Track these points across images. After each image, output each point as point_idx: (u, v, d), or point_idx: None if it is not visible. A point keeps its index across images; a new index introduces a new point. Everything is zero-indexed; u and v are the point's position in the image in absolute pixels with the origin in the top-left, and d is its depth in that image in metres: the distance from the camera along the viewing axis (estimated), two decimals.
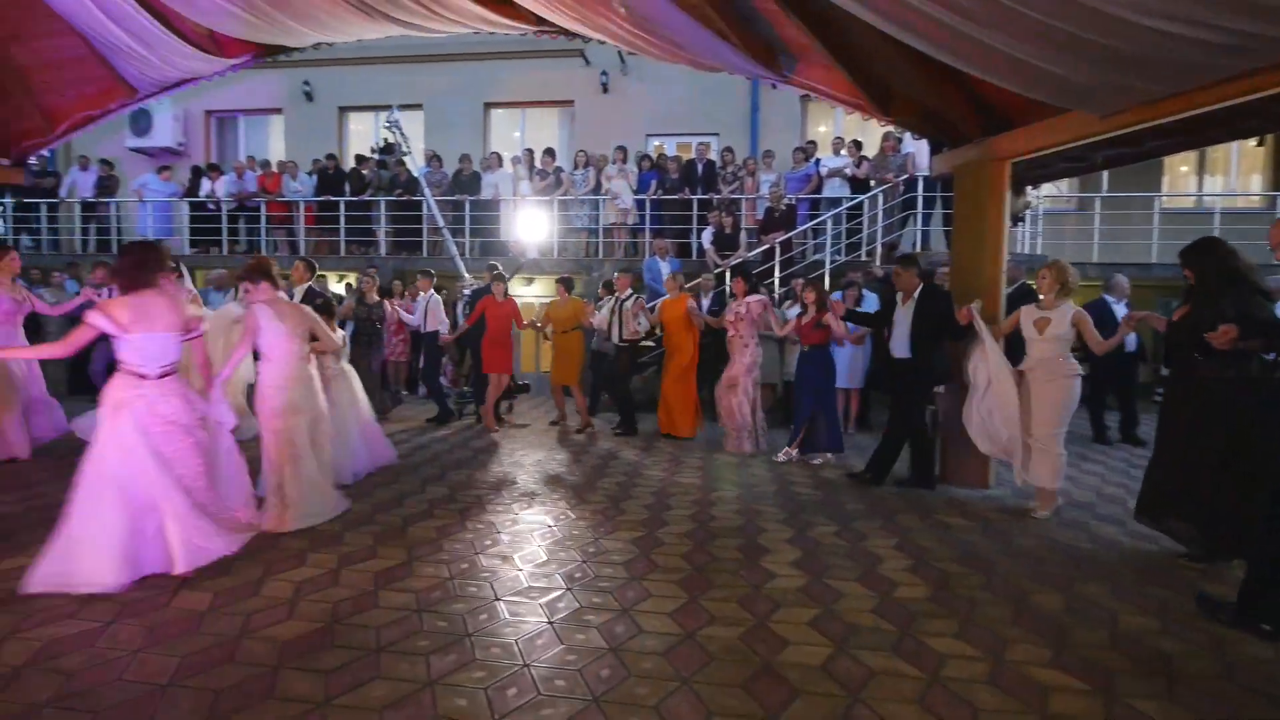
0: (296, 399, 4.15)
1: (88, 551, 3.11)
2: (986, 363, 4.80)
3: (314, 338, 4.39)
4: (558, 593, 3.26)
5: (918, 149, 8.55)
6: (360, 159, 11.37)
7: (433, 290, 7.87)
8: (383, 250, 10.79)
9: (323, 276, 8.96)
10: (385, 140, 9.28)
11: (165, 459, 3.26)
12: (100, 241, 11.37)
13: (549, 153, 10.84)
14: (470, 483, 5.20)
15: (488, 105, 12.77)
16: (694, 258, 10.01)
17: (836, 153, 9.74)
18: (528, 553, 3.77)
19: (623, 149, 10.46)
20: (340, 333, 5.70)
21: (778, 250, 8.72)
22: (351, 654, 2.67)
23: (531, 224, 10.17)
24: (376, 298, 7.42)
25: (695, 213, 10.00)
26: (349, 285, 8.14)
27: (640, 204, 10.20)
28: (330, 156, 11.23)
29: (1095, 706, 2.42)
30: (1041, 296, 4.60)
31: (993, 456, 4.98)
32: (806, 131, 12.06)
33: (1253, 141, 10.82)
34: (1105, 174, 10.40)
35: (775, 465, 5.94)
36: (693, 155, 10.63)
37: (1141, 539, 4.11)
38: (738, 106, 11.93)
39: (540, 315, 7.59)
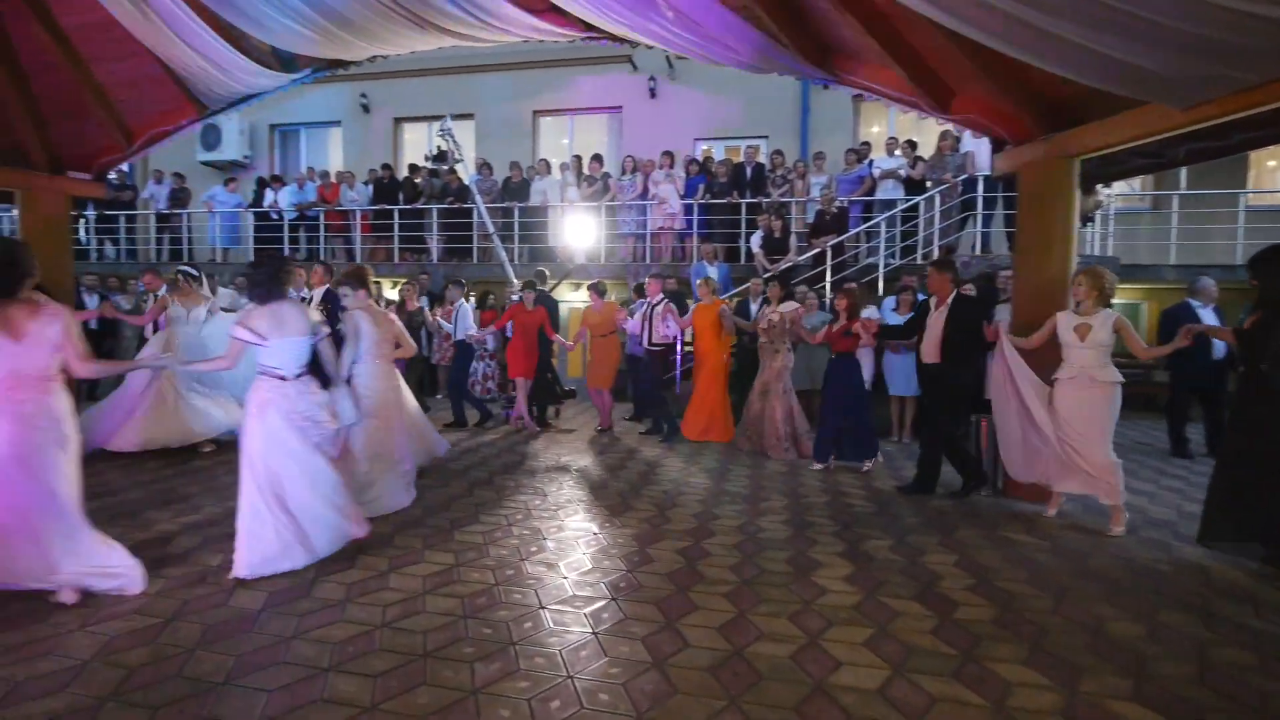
0: (390, 398, 4.57)
1: (270, 536, 3.43)
2: (1011, 383, 4.70)
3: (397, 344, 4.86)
4: (602, 602, 3.22)
5: (977, 148, 8.23)
6: (413, 168, 11.66)
7: (462, 299, 7.99)
8: (434, 257, 11.03)
9: (377, 282, 9.16)
10: (439, 148, 9.47)
11: (305, 450, 3.57)
12: (173, 251, 11.98)
13: (597, 158, 10.89)
14: (517, 488, 5.22)
15: (537, 113, 12.93)
16: (742, 262, 9.88)
17: (890, 153, 9.47)
18: (573, 560, 3.74)
19: (669, 154, 10.42)
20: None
21: (829, 254, 8.52)
22: (398, 659, 2.68)
23: (579, 230, 10.23)
24: (416, 305, 7.58)
25: (744, 217, 9.88)
26: (400, 292, 8.34)
27: (688, 208, 10.14)
28: (385, 167, 11.56)
29: None
30: (1079, 303, 4.46)
31: (1034, 482, 4.78)
32: (859, 133, 11.79)
33: None
34: (1183, 170, 9.80)
35: (825, 475, 5.77)
36: (741, 159, 10.51)
37: (1228, 562, 3.81)
38: (787, 109, 11.75)
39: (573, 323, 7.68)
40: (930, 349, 5.04)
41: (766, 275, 8.68)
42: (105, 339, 8.35)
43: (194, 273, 6.46)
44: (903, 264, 8.74)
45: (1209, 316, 6.41)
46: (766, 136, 11.80)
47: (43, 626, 2.88)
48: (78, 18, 5.41)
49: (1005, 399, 4.81)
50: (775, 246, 9.01)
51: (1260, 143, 4.73)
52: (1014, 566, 3.74)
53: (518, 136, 12.75)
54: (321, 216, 11.29)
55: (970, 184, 8.31)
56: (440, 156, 9.50)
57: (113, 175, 12.04)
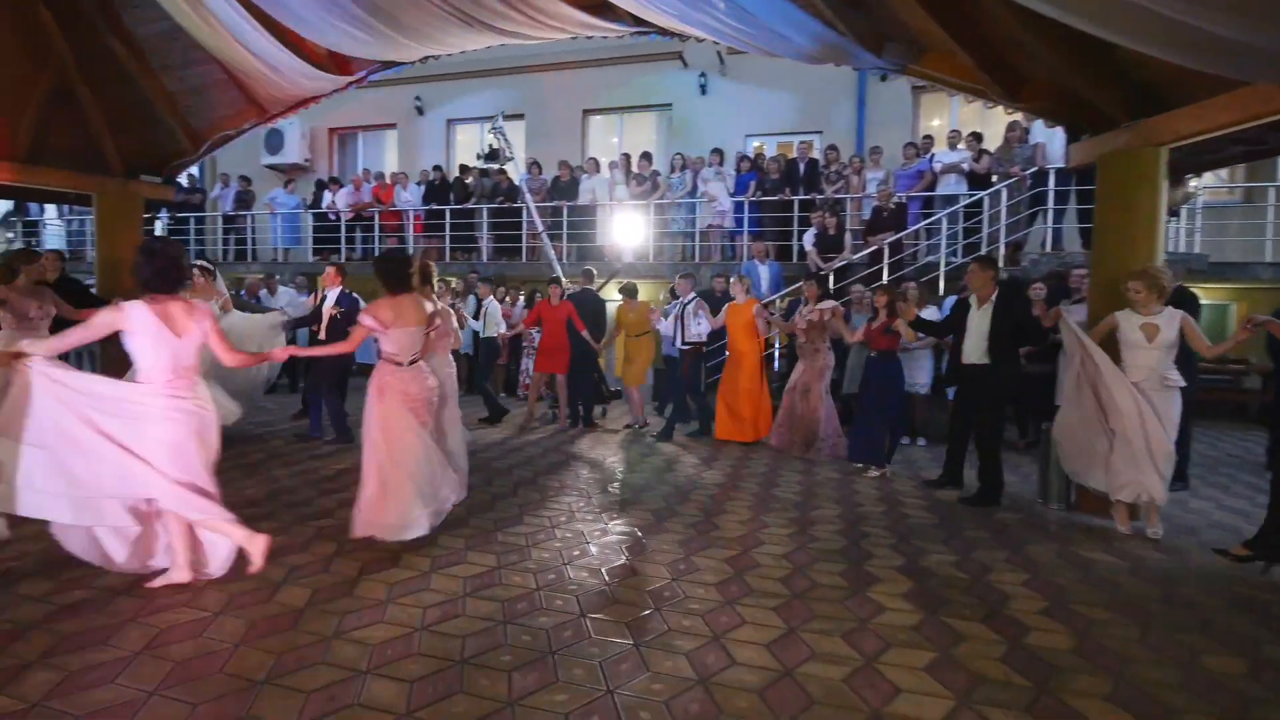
0: (448, 390, 4.67)
1: (392, 506, 3.70)
2: (1084, 374, 4.41)
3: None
4: (645, 612, 3.10)
5: (1049, 138, 7.76)
6: (464, 169, 11.80)
7: (492, 296, 8.01)
8: (485, 256, 11.13)
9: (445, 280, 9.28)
10: (491, 146, 9.55)
11: (419, 429, 3.86)
12: (238, 251, 12.46)
13: (646, 156, 10.78)
14: (562, 488, 5.15)
15: (586, 112, 12.92)
16: (794, 260, 9.61)
17: (953, 147, 9.04)
18: (616, 566, 3.63)
19: (719, 151, 10.23)
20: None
21: (886, 252, 8.19)
22: (436, 664, 2.62)
23: (628, 228, 10.16)
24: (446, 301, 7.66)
25: (796, 214, 9.61)
26: (452, 288, 8.42)
27: (738, 206, 9.93)
28: (436, 168, 11.73)
29: None
30: (1141, 310, 4.24)
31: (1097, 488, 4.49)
32: (919, 126, 11.34)
33: None
34: None
35: (884, 483, 5.51)
36: (794, 154, 10.24)
37: None
38: (842, 103, 11.40)
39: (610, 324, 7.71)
40: (973, 349, 4.91)
41: (819, 273, 8.42)
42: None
43: (209, 266, 6.36)
44: (965, 262, 8.30)
45: None
46: (820, 132, 11.47)
47: (100, 615, 2.94)
48: (148, 27, 5.62)
49: (1075, 384, 4.49)
50: (829, 244, 8.72)
51: None
52: (1092, 589, 3.45)
53: (567, 136, 12.77)
54: (377, 217, 11.54)
55: (1040, 177, 7.84)
56: (493, 155, 9.57)
57: (184, 179, 12.64)
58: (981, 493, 4.96)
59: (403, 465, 3.72)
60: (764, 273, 8.79)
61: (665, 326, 7.21)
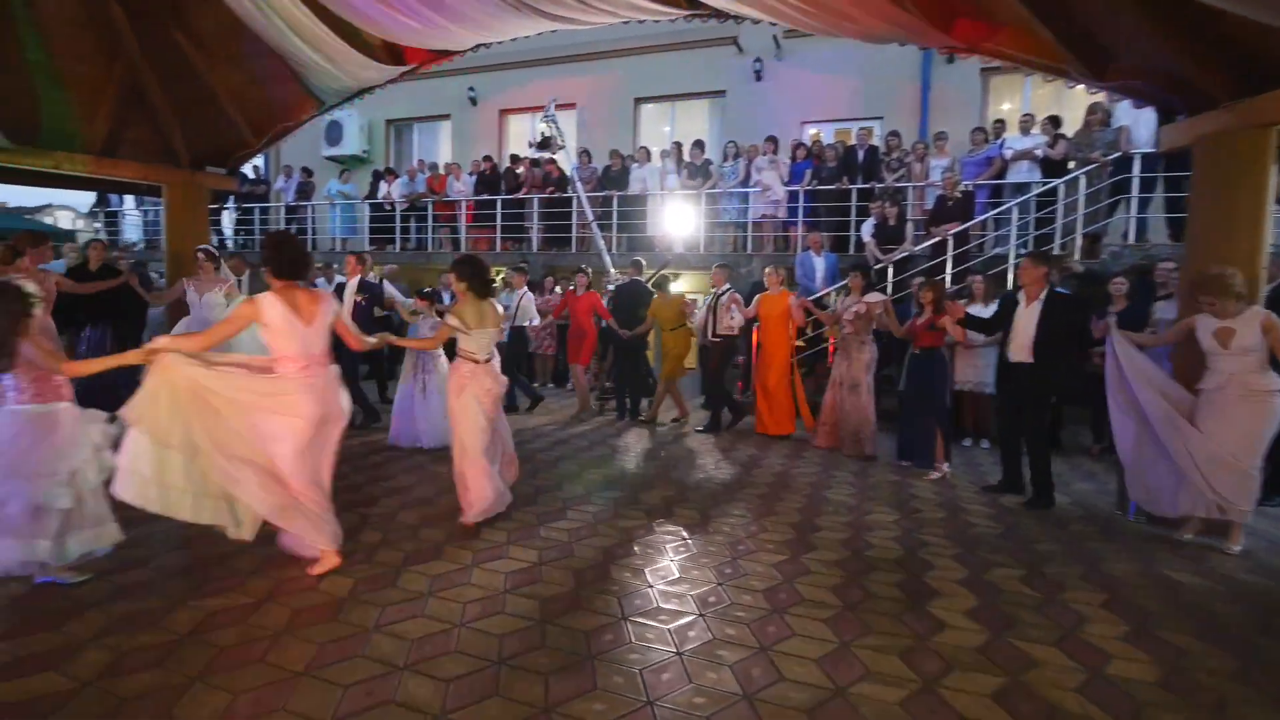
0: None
1: (502, 490, 4.13)
2: (1125, 390, 4.24)
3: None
4: (689, 618, 2.97)
5: (1135, 121, 7.19)
6: (515, 158, 11.82)
7: (525, 288, 7.97)
8: (534, 246, 11.14)
9: (499, 271, 9.33)
10: (543, 134, 9.50)
11: (491, 420, 4.11)
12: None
13: (698, 145, 10.56)
14: (606, 483, 5.07)
15: (638, 100, 12.75)
16: (851, 252, 9.26)
17: (1025, 132, 8.50)
18: (659, 568, 3.52)
19: (773, 139, 9.93)
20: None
21: (950, 243, 7.78)
22: (473, 663, 2.57)
23: (678, 218, 9.98)
24: None
25: (854, 204, 9.23)
26: (504, 280, 8.43)
27: (793, 195, 9.62)
28: (487, 158, 11.77)
29: None
30: (1216, 317, 3.94)
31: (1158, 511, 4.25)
32: (988, 110, 10.75)
33: None
34: None
35: (942, 488, 5.23)
36: (853, 141, 9.84)
37: None
38: (905, 86, 10.89)
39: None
40: (1020, 348, 4.74)
41: (861, 266, 8.08)
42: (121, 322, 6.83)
43: (214, 251, 6.23)
44: (1052, 254, 7.82)
45: None
46: (881, 117, 11.00)
47: (154, 598, 3.00)
48: (210, 20, 5.75)
49: (1121, 408, 4.34)
50: (889, 235, 8.35)
51: None
52: (1181, 614, 3.15)
53: (619, 125, 12.64)
54: (430, 207, 11.69)
55: (1123, 164, 7.28)
56: (545, 143, 9.52)
57: (249, 171, 13.08)
58: (1034, 497, 4.77)
59: (482, 454, 4.01)
60: (819, 264, 8.48)
61: (699, 317, 7.10)
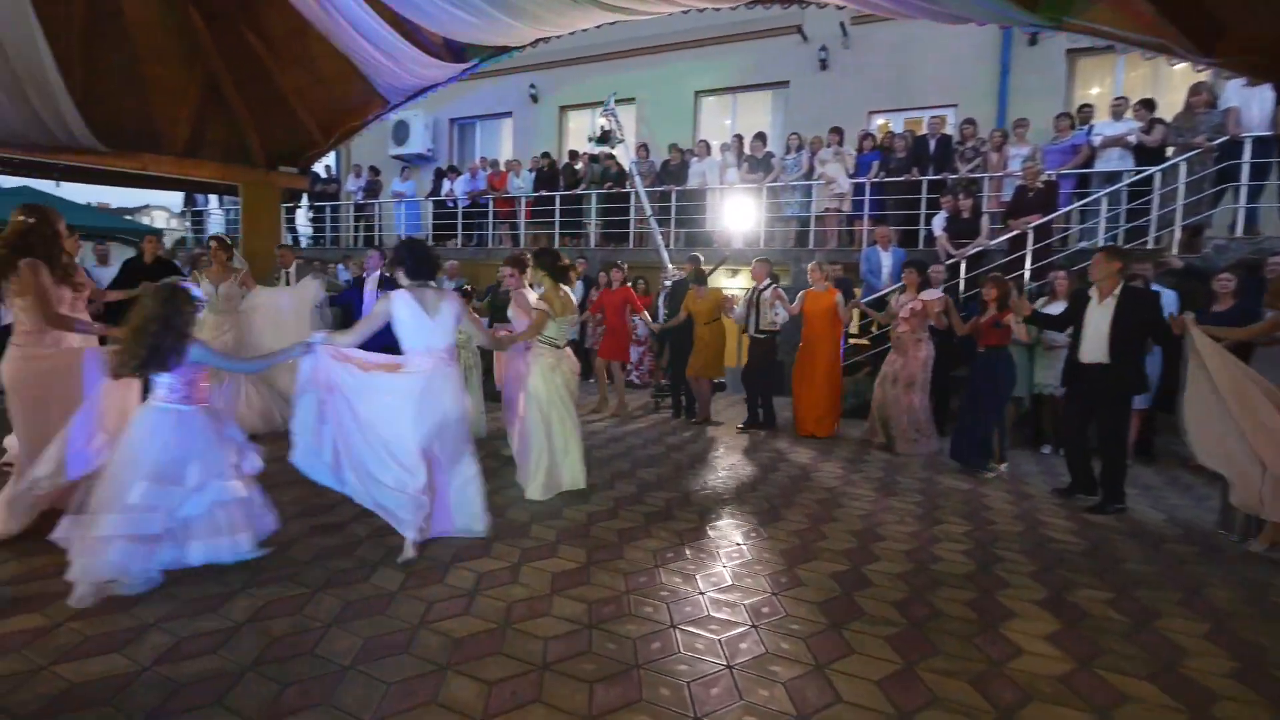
0: None
1: (574, 463, 4.54)
2: (1212, 390, 3.96)
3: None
4: (740, 629, 2.83)
5: (1246, 101, 6.54)
6: (573, 154, 11.83)
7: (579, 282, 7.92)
8: (592, 242, 11.13)
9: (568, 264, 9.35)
10: (602, 128, 9.45)
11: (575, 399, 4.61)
12: (367, 238, 13.26)
13: (759, 137, 10.30)
14: (659, 483, 4.96)
15: (698, 93, 12.56)
16: (920, 247, 8.83)
17: (1117, 116, 7.89)
18: (712, 574, 3.38)
19: (838, 130, 9.57)
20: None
21: (1030, 237, 7.29)
22: (517, 666, 2.51)
23: (738, 212, 9.77)
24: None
25: (924, 196, 8.81)
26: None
27: (859, 188, 9.26)
28: (545, 155, 11.83)
29: None
30: None
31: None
32: (1074, 95, 10.05)
33: None
34: None
35: (1020, 498, 4.89)
36: (924, 131, 9.38)
37: None
38: (982, 71, 10.31)
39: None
40: (1093, 347, 4.54)
41: (949, 261, 7.67)
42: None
43: (226, 240, 5.90)
44: (1129, 248, 7.25)
45: None
46: (955, 105, 10.46)
47: (215, 584, 3.07)
48: (280, 22, 5.93)
49: (1205, 408, 4.03)
50: (962, 229, 7.90)
51: None
52: None
53: (679, 118, 12.49)
54: (490, 204, 11.85)
55: (1232, 149, 6.65)
56: (604, 137, 9.48)
57: (321, 170, 13.59)
58: (1102, 502, 4.58)
59: (572, 432, 4.45)
60: (885, 260, 8.12)
61: (737, 314, 6.95)
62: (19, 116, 5.25)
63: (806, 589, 3.24)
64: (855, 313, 7.43)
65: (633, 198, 10.32)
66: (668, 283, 8.19)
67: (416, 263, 3.45)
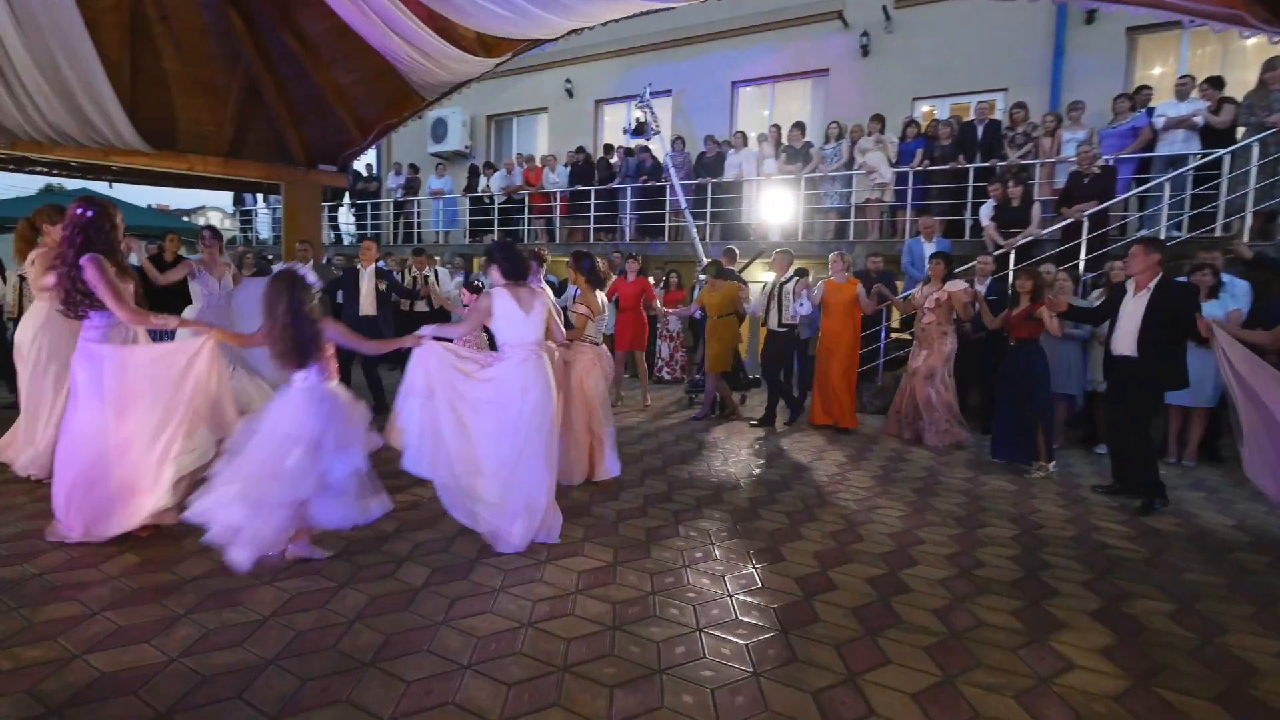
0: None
1: (610, 454, 4.75)
2: (1245, 393, 3.87)
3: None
4: (769, 634, 2.72)
5: None
6: (608, 148, 11.76)
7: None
8: (627, 236, 11.05)
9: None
10: (637, 120, 9.36)
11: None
12: (406, 234, 13.46)
13: (798, 127, 10.05)
14: (690, 481, 4.86)
15: (735, 84, 12.34)
16: (967, 238, 8.49)
17: (1182, 97, 7.41)
18: (740, 575, 3.28)
19: (880, 117, 9.26)
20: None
21: (1085, 226, 6.92)
22: (537, 668, 2.45)
23: (776, 204, 9.56)
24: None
25: (971, 184, 8.46)
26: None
27: (901, 177, 8.95)
28: (580, 150, 11.79)
29: None
30: None
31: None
32: (1134, 75, 9.52)
33: None
34: None
35: (1072, 500, 4.63)
36: (971, 117, 9.01)
37: None
38: (1034, 53, 9.84)
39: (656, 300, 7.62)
40: (1124, 340, 4.49)
41: (998, 251, 7.34)
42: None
43: (219, 230, 5.73)
44: (1193, 236, 6.83)
45: None
46: (1005, 89, 10.01)
47: (244, 576, 3.10)
48: (317, 23, 6.01)
49: (1246, 411, 3.90)
50: (1012, 218, 7.54)
51: None
52: None
53: (715, 110, 12.29)
54: (526, 199, 11.88)
55: None
56: (640, 128, 9.39)
57: (362, 168, 13.83)
58: (1145, 503, 4.43)
59: (606, 422, 4.64)
60: (929, 251, 7.82)
61: (754, 307, 6.84)
62: (71, 119, 5.43)
63: (840, 593, 3.10)
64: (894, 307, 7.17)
65: (668, 191, 10.20)
66: (703, 276, 8.06)
67: (510, 264, 3.67)
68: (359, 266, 6.46)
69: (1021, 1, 4.86)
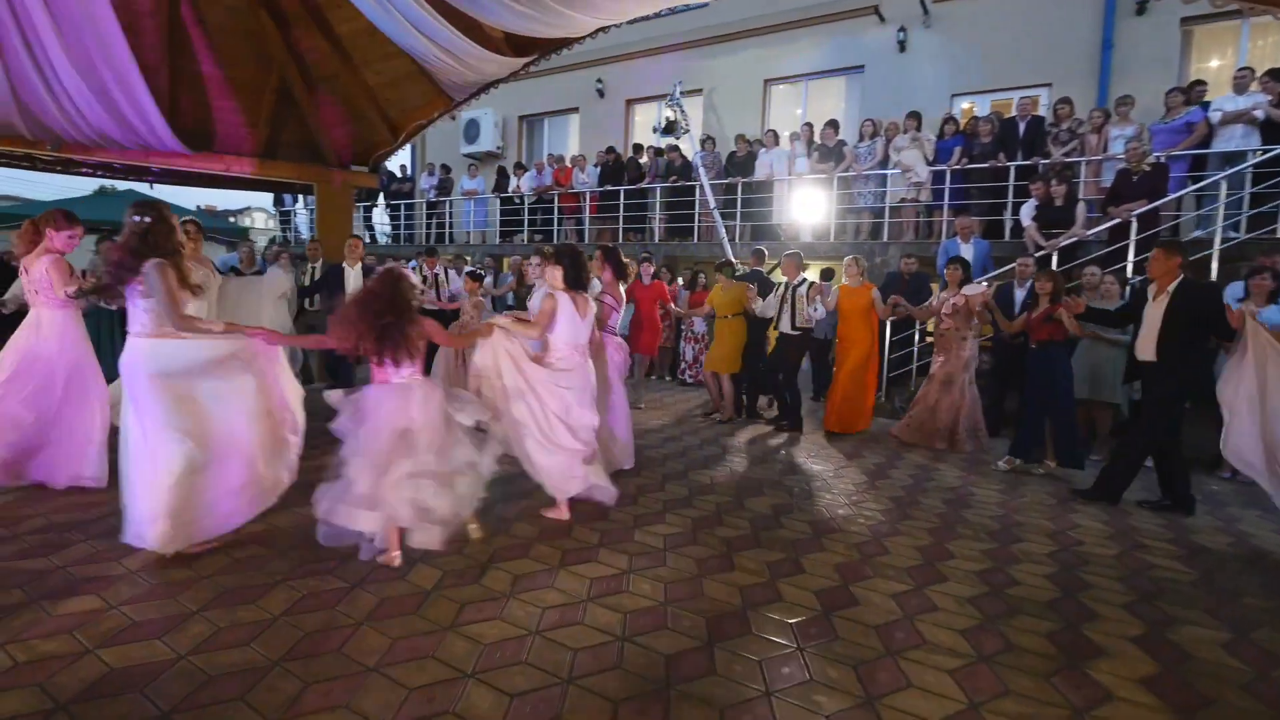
0: None
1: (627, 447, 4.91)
2: (1251, 380, 3.88)
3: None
4: (785, 650, 2.61)
5: None
6: (638, 148, 11.70)
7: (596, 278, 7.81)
8: (656, 237, 10.97)
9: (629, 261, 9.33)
10: (667, 119, 9.29)
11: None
12: (439, 234, 13.60)
13: (831, 125, 9.84)
14: (712, 486, 4.76)
15: (767, 82, 12.15)
16: (1006, 239, 8.20)
17: (1240, 90, 7.02)
18: (759, 587, 3.17)
19: (916, 114, 9.00)
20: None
21: (1134, 226, 6.60)
22: (541, 678, 2.39)
23: (807, 204, 9.38)
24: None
25: (1012, 183, 8.16)
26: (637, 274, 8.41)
27: (938, 176, 8.68)
28: (610, 150, 11.75)
29: None
30: None
31: None
32: (1189, 69, 9.08)
33: None
34: None
35: (1116, 516, 4.40)
36: (1013, 113, 8.69)
37: None
38: (1081, 46, 9.46)
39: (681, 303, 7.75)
40: (1144, 345, 4.44)
41: (1039, 253, 7.05)
42: None
43: (202, 225, 5.03)
44: (1252, 238, 6.46)
45: None
46: (1049, 84, 9.65)
47: (259, 574, 3.12)
48: (347, 25, 6.07)
49: (1236, 396, 3.91)
50: (1054, 218, 7.23)
51: None
52: None
53: (747, 109, 12.13)
54: (556, 199, 11.89)
55: None
56: (670, 127, 9.31)
57: (396, 169, 14.02)
58: (1175, 500, 4.47)
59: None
60: (966, 253, 7.56)
61: (764, 309, 6.69)
62: (112, 122, 5.59)
63: (861, 609, 2.97)
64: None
65: (697, 191, 10.09)
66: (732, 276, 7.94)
67: (576, 273, 3.94)
68: (344, 265, 6.43)
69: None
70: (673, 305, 7.40)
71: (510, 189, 12.55)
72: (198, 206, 21.48)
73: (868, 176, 9.25)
